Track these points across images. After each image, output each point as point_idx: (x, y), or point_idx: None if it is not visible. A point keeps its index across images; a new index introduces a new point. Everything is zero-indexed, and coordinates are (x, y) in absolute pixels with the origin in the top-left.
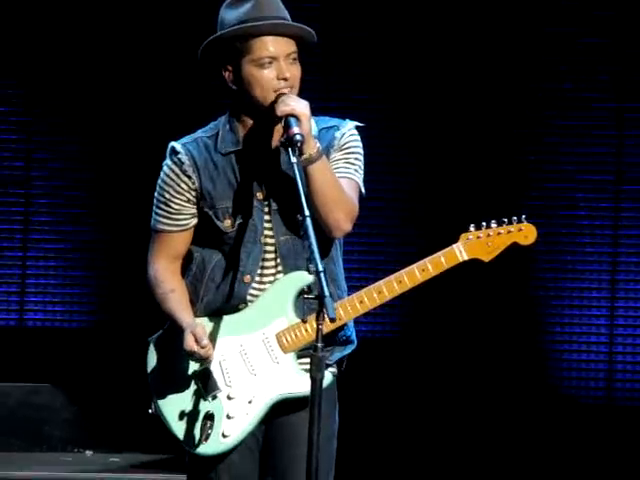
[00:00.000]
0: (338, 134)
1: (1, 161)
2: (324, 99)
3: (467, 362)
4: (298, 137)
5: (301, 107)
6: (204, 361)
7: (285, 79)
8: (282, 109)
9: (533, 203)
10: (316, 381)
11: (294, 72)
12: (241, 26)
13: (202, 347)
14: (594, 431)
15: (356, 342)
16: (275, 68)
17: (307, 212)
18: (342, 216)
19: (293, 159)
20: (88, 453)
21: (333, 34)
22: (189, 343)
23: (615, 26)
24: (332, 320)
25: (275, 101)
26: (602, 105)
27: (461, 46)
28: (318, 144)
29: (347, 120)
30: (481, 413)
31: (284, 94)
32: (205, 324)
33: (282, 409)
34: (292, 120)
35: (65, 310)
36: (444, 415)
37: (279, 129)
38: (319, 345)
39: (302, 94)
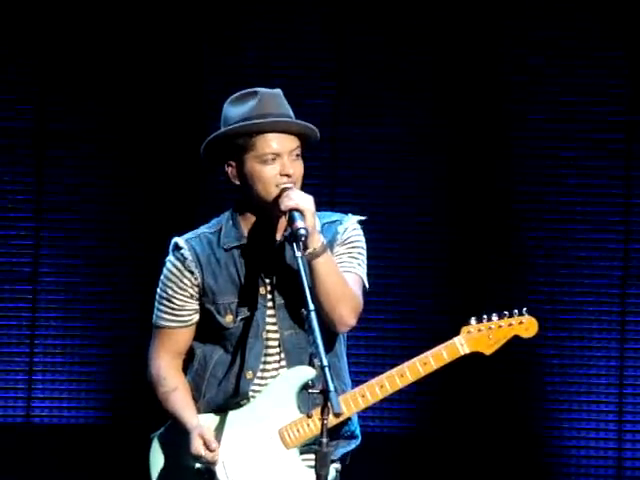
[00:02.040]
0: (341, 229)
1: (9, 257)
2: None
3: (475, 457)
4: (302, 231)
5: (305, 202)
6: (210, 465)
7: (288, 175)
8: (286, 204)
9: (540, 289)
10: (321, 477)
11: (297, 168)
12: (244, 124)
13: (211, 451)
14: None
15: (360, 437)
16: (278, 164)
17: (312, 306)
18: (347, 311)
19: (297, 253)
20: None
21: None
22: (196, 447)
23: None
24: (338, 414)
25: (279, 196)
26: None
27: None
28: (322, 239)
29: (349, 214)
30: None
31: (288, 188)
32: (207, 421)
33: None
34: (296, 215)
35: (72, 406)
36: None
37: (283, 223)
38: (324, 440)
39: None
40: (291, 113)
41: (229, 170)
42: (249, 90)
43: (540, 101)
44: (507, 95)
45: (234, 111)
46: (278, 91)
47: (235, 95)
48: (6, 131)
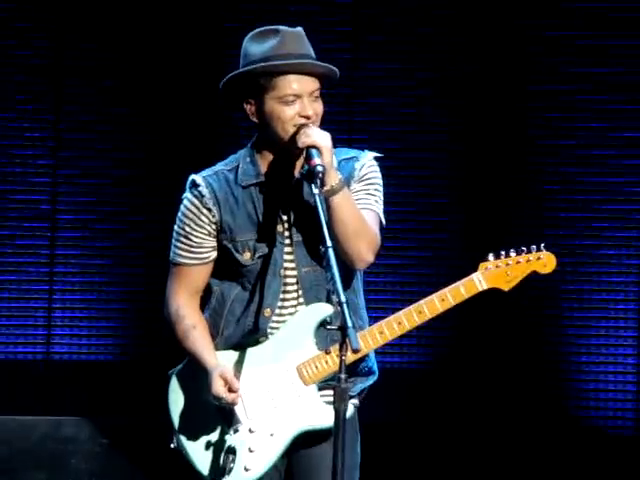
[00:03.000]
0: (358, 165)
1: (29, 194)
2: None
3: (493, 394)
4: (320, 168)
5: (322, 139)
6: (230, 405)
7: (307, 117)
8: (303, 140)
9: (558, 233)
10: (339, 413)
11: (317, 109)
12: (267, 64)
13: (233, 392)
14: (622, 464)
15: (377, 373)
16: (298, 105)
17: (329, 243)
18: (364, 247)
19: (315, 190)
20: None
21: (359, 64)
22: (217, 388)
23: None
24: (356, 351)
25: (296, 133)
26: (625, 135)
27: (483, 82)
28: (340, 175)
29: (366, 151)
30: (507, 444)
31: (305, 125)
32: (225, 358)
33: (304, 441)
34: (314, 152)
35: (91, 343)
36: (466, 447)
37: (300, 161)
38: (342, 376)
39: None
40: (312, 53)
41: (248, 108)
42: (270, 28)
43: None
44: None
45: (255, 48)
46: (300, 30)
47: (256, 31)
48: (25, 68)
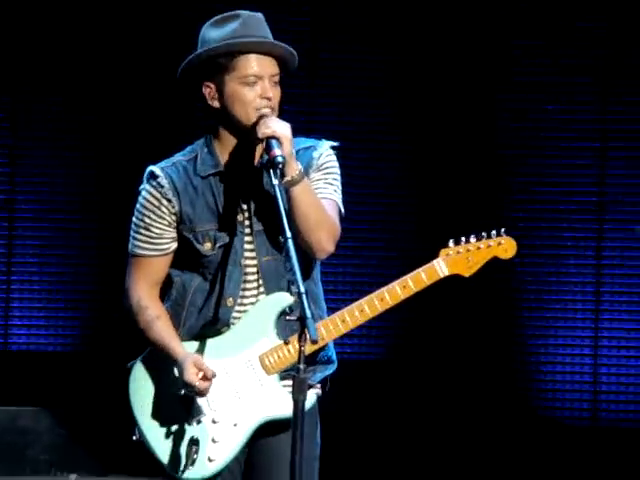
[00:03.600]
0: (316, 154)
1: None
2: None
3: (449, 384)
4: (280, 159)
5: (282, 129)
6: (199, 394)
7: (268, 98)
8: (263, 131)
9: (517, 215)
10: (298, 403)
11: (276, 94)
12: (230, 41)
13: (208, 380)
14: (579, 453)
15: (336, 362)
16: (259, 87)
17: (289, 234)
18: (325, 237)
19: (275, 181)
20: (72, 477)
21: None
22: (190, 376)
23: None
24: (314, 342)
25: (257, 123)
26: (586, 117)
27: (452, 57)
28: (300, 166)
29: (323, 140)
30: (464, 435)
31: (265, 116)
32: (188, 348)
33: (265, 431)
34: (273, 142)
35: (49, 334)
36: (426, 437)
37: (259, 150)
38: (301, 367)
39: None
40: (272, 38)
41: (207, 92)
42: (230, 13)
43: None
44: None
45: (214, 33)
46: (260, 15)
47: (216, 18)
48: None
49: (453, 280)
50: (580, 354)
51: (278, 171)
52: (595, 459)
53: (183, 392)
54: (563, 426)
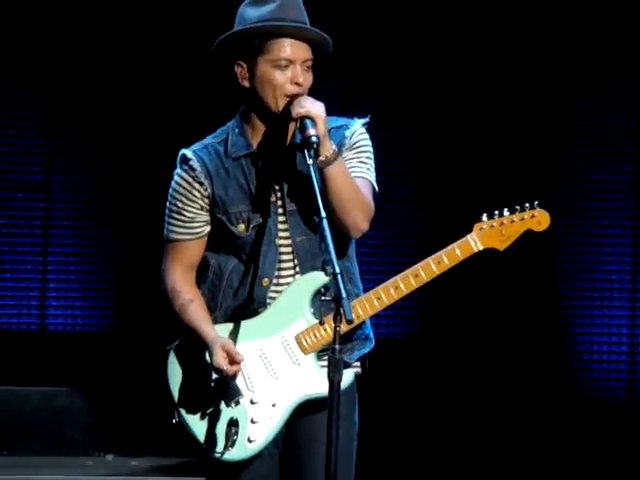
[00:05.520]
0: (348, 133)
1: (21, 165)
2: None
3: (487, 362)
4: (314, 139)
5: (317, 109)
6: (230, 378)
7: (298, 84)
8: (298, 111)
9: (556, 194)
10: (334, 383)
11: (307, 79)
12: (264, 24)
13: (236, 363)
14: (615, 431)
15: (374, 340)
16: (290, 71)
17: (324, 213)
18: (360, 216)
19: (309, 161)
20: (108, 457)
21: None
22: (219, 360)
23: None
24: (349, 322)
25: (290, 103)
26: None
27: (467, 47)
28: (334, 146)
29: (355, 118)
30: (501, 413)
31: (299, 95)
32: (225, 330)
33: (303, 410)
34: (308, 122)
35: (85, 314)
36: (464, 415)
37: (291, 129)
38: (337, 347)
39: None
40: (308, 22)
41: (239, 71)
42: None
43: None
44: None
45: (252, 12)
46: None
47: None
48: None
49: (490, 258)
50: (617, 333)
51: (312, 151)
52: (631, 438)
53: (215, 376)
54: (600, 404)
